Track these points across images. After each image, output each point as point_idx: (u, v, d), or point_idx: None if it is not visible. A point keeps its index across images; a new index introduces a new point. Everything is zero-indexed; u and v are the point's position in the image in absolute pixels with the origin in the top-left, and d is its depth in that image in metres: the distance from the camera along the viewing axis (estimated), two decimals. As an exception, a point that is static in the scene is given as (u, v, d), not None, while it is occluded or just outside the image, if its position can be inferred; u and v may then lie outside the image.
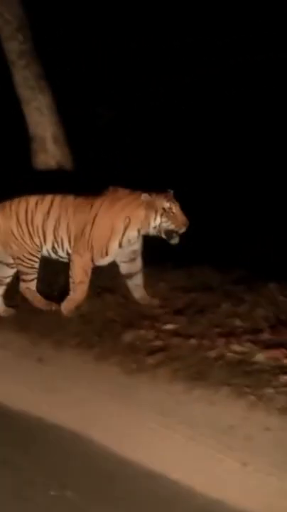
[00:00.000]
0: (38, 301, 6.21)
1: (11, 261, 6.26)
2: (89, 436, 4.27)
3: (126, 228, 5.85)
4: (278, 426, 4.00)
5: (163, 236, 5.81)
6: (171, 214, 5.73)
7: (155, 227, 5.79)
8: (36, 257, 6.17)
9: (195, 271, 6.36)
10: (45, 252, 6.17)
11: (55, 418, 4.53)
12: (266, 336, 5.00)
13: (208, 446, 3.93)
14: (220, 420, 4.14)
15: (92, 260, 5.96)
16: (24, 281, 6.23)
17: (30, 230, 6.11)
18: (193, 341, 5.11)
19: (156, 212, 5.75)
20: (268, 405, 4.18)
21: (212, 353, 4.88)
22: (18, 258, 6.19)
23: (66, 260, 6.15)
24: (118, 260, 6.05)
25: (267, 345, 4.83)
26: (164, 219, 5.74)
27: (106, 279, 6.51)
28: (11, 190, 6.36)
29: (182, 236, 5.80)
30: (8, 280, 6.37)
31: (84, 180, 6.69)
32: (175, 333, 5.31)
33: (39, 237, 6.11)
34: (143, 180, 5.99)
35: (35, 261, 6.18)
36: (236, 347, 4.90)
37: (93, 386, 4.84)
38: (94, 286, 6.43)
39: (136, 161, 9.52)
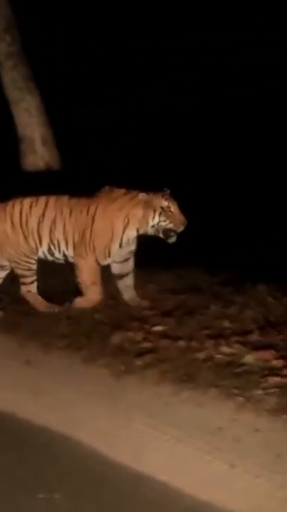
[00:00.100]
0: (40, 303, 6.17)
1: (5, 263, 6.22)
2: (77, 439, 4.26)
3: (125, 228, 5.83)
4: (267, 427, 3.99)
5: (161, 235, 5.80)
6: (169, 213, 5.73)
7: (153, 226, 5.77)
8: (32, 258, 6.13)
9: (184, 272, 6.35)
10: (40, 254, 6.13)
11: (42, 420, 4.52)
12: (254, 337, 4.99)
13: (196, 448, 3.91)
14: (208, 422, 4.13)
15: (97, 261, 5.93)
16: (24, 284, 6.19)
17: (25, 232, 6.07)
18: (182, 343, 5.09)
19: (155, 211, 5.73)
20: (257, 407, 4.16)
21: (201, 355, 4.87)
22: (15, 261, 6.15)
23: (62, 262, 6.12)
24: (110, 260, 6.03)
25: (256, 347, 4.82)
26: (162, 218, 5.73)
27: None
28: (0, 192, 6.33)
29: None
30: None
31: (83, 180, 6.64)
32: (163, 335, 5.29)
33: (34, 240, 6.07)
34: (141, 180, 5.99)
35: (31, 263, 6.14)
36: (225, 348, 4.89)
37: (81, 388, 4.82)
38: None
39: (135, 160, 9.52)
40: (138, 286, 6.06)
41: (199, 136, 10.89)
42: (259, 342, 4.90)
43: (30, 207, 6.09)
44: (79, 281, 6.00)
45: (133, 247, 5.97)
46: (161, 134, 11.21)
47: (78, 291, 6.32)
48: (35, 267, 6.16)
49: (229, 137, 10.66)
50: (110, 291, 6.20)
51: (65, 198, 6.08)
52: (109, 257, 5.94)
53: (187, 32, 13.51)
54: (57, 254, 6.08)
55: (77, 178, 8.18)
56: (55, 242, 6.03)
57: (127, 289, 6.06)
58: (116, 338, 5.38)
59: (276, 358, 4.62)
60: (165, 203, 5.74)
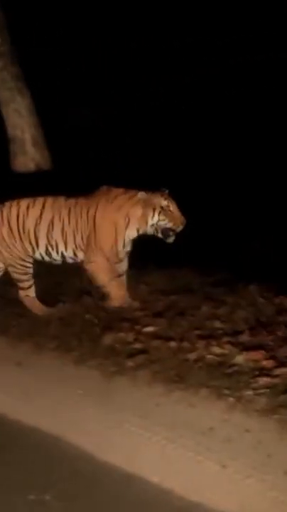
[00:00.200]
0: (38, 308, 6.15)
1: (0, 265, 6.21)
2: (68, 440, 4.25)
3: (127, 227, 5.83)
4: (258, 428, 4.00)
5: (160, 235, 5.80)
6: (169, 212, 5.73)
7: (152, 226, 5.77)
8: (28, 262, 6.10)
9: (175, 273, 6.35)
10: (37, 256, 6.10)
11: (33, 421, 4.51)
12: (245, 337, 5.00)
13: (187, 449, 3.92)
14: (200, 422, 4.14)
15: (107, 260, 5.89)
16: (22, 288, 6.17)
17: (22, 234, 6.05)
18: (173, 344, 5.09)
19: (154, 210, 5.73)
20: (248, 407, 4.17)
21: (192, 356, 4.87)
22: (11, 265, 6.13)
23: (59, 262, 6.10)
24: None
25: (247, 347, 4.82)
26: (162, 217, 5.73)
27: (85, 282, 6.49)
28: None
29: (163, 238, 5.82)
30: None
31: (75, 180, 6.63)
32: (154, 336, 5.29)
33: (31, 242, 6.05)
34: (140, 180, 5.98)
35: (27, 266, 6.12)
36: (216, 349, 4.89)
37: (72, 389, 4.82)
38: (73, 289, 6.42)
39: (135, 160, 9.52)
40: (129, 286, 6.06)
41: (199, 136, 10.90)
42: (250, 342, 4.91)
43: (27, 208, 6.06)
44: (98, 285, 5.96)
45: (129, 247, 5.97)
46: (161, 134, 11.22)
47: (71, 293, 6.33)
48: (31, 270, 6.14)
49: (228, 137, 10.67)
50: (100, 292, 6.21)
51: (62, 199, 6.04)
52: (118, 256, 5.91)
53: (187, 32, 13.52)
54: (54, 256, 6.05)
55: (68, 178, 8.17)
56: (53, 244, 6.00)
57: (119, 289, 6.06)
58: (107, 339, 5.38)
59: (267, 359, 4.63)
60: (164, 202, 5.74)
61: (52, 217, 5.99)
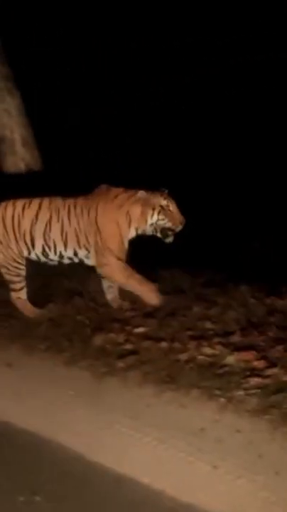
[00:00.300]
0: (29, 310, 6.13)
1: None
2: (58, 441, 4.24)
3: (129, 225, 5.81)
4: (249, 428, 3.99)
5: (159, 235, 5.79)
6: (168, 212, 5.72)
7: (152, 225, 5.76)
8: (21, 263, 6.08)
9: (166, 274, 6.34)
10: (33, 256, 6.08)
11: (24, 423, 4.50)
12: (236, 338, 4.99)
13: (178, 449, 3.92)
14: (191, 423, 4.13)
15: (119, 258, 5.84)
16: (14, 290, 6.14)
17: (17, 235, 6.03)
18: (164, 344, 5.09)
19: (153, 209, 5.72)
20: (239, 407, 4.17)
21: (183, 356, 4.86)
22: (4, 267, 6.10)
23: (55, 263, 6.08)
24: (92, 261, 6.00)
25: (238, 348, 4.82)
26: (161, 217, 5.73)
27: (75, 283, 6.49)
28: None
29: (155, 238, 5.81)
30: None
31: (76, 180, 6.60)
32: (145, 337, 5.28)
33: (26, 242, 6.03)
34: (140, 180, 5.97)
35: (20, 268, 6.10)
36: (207, 350, 4.89)
37: (63, 390, 4.81)
38: (63, 290, 6.41)
39: (135, 160, 9.51)
40: (119, 287, 6.05)
41: (199, 136, 10.88)
42: (241, 343, 4.90)
43: (23, 209, 6.04)
44: (120, 286, 5.91)
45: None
46: (161, 134, 11.20)
47: (61, 294, 6.32)
48: (24, 272, 6.12)
49: (228, 137, 10.66)
50: (90, 293, 6.20)
51: (59, 200, 6.01)
52: (126, 252, 5.86)
53: (187, 32, 13.50)
54: (51, 256, 6.02)
55: (59, 178, 8.15)
56: (51, 244, 5.97)
57: (110, 289, 6.05)
58: (98, 340, 5.37)
59: (258, 359, 4.62)
60: (164, 202, 5.73)
61: (50, 218, 5.96)
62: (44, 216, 5.98)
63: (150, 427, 4.17)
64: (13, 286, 6.13)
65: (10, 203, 6.10)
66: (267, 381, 4.36)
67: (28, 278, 6.20)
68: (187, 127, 11.25)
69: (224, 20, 13.25)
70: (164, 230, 5.77)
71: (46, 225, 5.96)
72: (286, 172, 8.63)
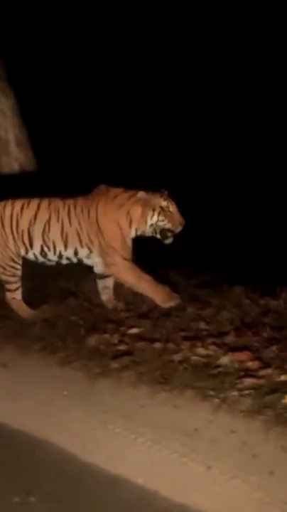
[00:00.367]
0: (24, 311, 6.13)
1: None
2: (53, 442, 4.24)
3: (130, 224, 5.80)
4: (243, 429, 4.00)
5: (158, 236, 5.78)
6: (168, 213, 5.72)
7: (151, 226, 5.75)
8: (18, 264, 6.08)
9: (159, 274, 6.34)
10: (30, 256, 6.07)
11: (18, 423, 4.50)
12: (230, 338, 5.00)
13: (172, 450, 3.92)
14: (185, 423, 4.13)
15: (126, 258, 5.83)
16: (9, 290, 6.14)
17: (15, 234, 6.02)
18: (158, 345, 5.09)
19: (154, 210, 5.72)
20: (233, 408, 4.17)
21: (177, 357, 4.87)
22: (0, 266, 6.10)
23: (53, 264, 6.07)
24: (97, 259, 5.99)
25: (232, 348, 4.82)
26: (161, 218, 5.72)
27: (70, 283, 6.49)
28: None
29: (150, 238, 5.81)
30: None
31: (83, 180, 6.60)
32: (139, 337, 5.29)
33: (24, 242, 6.02)
34: (139, 180, 5.96)
35: (17, 268, 6.10)
36: (201, 350, 4.89)
37: (57, 391, 4.81)
38: (57, 291, 6.41)
39: (135, 160, 9.51)
40: (113, 288, 6.05)
41: (199, 136, 10.89)
42: (235, 343, 4.91)
43: (22, 209, 6.04)
44: (131, 287, 5.87)
45: None
46: (160, 134, 11.21)
47: (56, 295, 6.32)
48: (19, 273, 6.12)
49: (228, 137, 10.67)
50: (85, 293, 6.20)
51: (59, 201, 6.00)
52: (131, 251, 5.85)
53: (187, 32, 13.50)
54: (50, 256, 6.01)
55: (53, 178, 8.15)
56: (50, 244, 5.96)
57: (106, 290, 6.05)
58: (92, 341, 5.38)
59: (252, 360, 4.63)
60: (164, 203, 5.73)
61: (49, 218, 5.95)
62: (43, 216, 5.97)
63: (145, 428, 4.17)
64: (8, 286, 6.13)
65: (8, 203, 6.09)
66: (261, 381, 4.37)
67: (23, 279, 6.20)
68: (187, 127, 11.26)
69: (224, 20, 13.25)
70: (163, 231, 5.77)
71: (45, 225, 5.95)
72: (284, 172, 8.65)
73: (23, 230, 6.00)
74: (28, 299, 6.18)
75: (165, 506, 3.53)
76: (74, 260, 5.99)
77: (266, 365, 4.54)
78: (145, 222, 5.76)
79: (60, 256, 5.97)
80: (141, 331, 5.39)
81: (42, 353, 5.44)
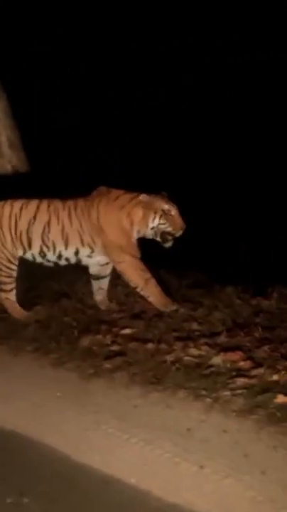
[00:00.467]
0: (17, 312, 6.13)
1: None
2: (46, 442, 4.24)
3: (131, 225, 5.80)
4: (235, 428, 4.01)
5: (158, 239, 5.79)
6: (170, 216, 5.72)
7: (152, 228, 5.76)
8: (14, 264, 6.09)
9: (152, 275, 6.35)
10: (28, 256, 6.07)
11: (11, 424, 4.50)
12: (222, 339, 5.02)
13: (165, 450, 3.93)
14: (177, 423, 4.15)
15: (134, 256, 5.83)
16: (3, 291, 6.14)
17: (13, 235, 6.02)
18: (150, 345, 5.11)
19: (155, 213, 5.72)
20: (225, 408, 4.19)
21: (170, 357, 4.88)
22: None
23: (51, 265, 6.07)
24: (99, 258, 6.00)
25: (224, 348, 4.85)
26: (162, 221, 5.72)
27: (63, 285, 6.50)
28: None
29: (141, 239, 5.83)
30: None
31: (84, 180, 6.63)
32: (132, 338, 5.30)
33: (22, 243, 6.02)
34: (139, 180, 5.97)
35: (13, 269, 6.10)
36: (194, 350, 4.91)
37: (50, 392, 4.82)
38: (50, 292, 6.42)
39: (135, 161, 9.52)
40: (109, 290, 6.08)
41: (199, 136, 10.90)
42: (227, 343, 4.93)
43: (21, 209, 6.04)
44: (134, 288, 5.85)
45: None
46: (160, 134, 11.21)
47: (49, 296, 6.33)
48: (15, 274, 6.12)
49: (228, 137, 10.68)
50: (78, 294, 6.22)
51: (58, 202, 6.00)
52: (138, 249, 5.85)
53: (187, 32, 13.50)
54: (49, 256, 6.00)
55: (46, 180, 8.15)
56: (49, 245, 5.95)
57: (100, 291, 6.06)
58: (85, 342, 5.39)
59: (244, 359, 4.65)
60: (165, 206, 5.73)
61: (49, 219, 5.95)
62: (43, 217, 5.97)
63: (137, 428, 4.18)
64: (3, 286, 6.13)
65: (8, 203, 6.09)
66: (253, 381, 4.39)
67: (18, 280, 6.21)
68: (187, 127, 11.27)
69: (224, 20, 13.26)
70: (164, 235, 5.77)
71: (45, 227, 5.95)
72: (284, 172, 8.67)
73: (21, 231, 6.00)
74: (21, 300, 6.18)
75: (158, 506, 3.54)
76: (73, 261, 5.99)
77: (258, 364, 4.56)
78: (147, 224, 5.76)
79: (60, 256, 5.97)
80: (133, 332, 5.41)
81: (35, 354, 5.44)
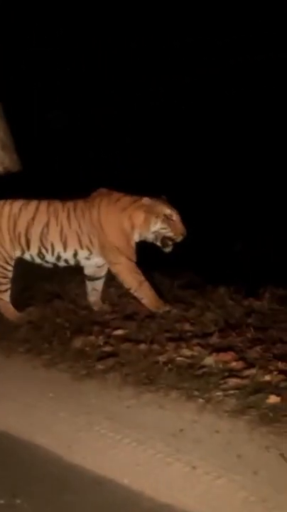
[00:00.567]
0: (11, 313, 6.12)
1: None
2: (38, 443, 4.24)
3: (132, 228, 5.80)
4: (227, 428, 4.02)
5: (158, 243, 5.79)
6: (171, 221, 5.72)
7: (154, 233, 5.75)
8: (10, 265, 6.08)
9: (144, 276, 6.36)
10: (27, 257, 6.06)
11: (3, 425, 4.50)
12: (215, 339, 5.03)
13: (158, 450, 3.93)
14: (170, 424, 4.15)
15: (130, 259, 5.84)
16: None
17: (12, 235, 6.02)
18: (143, 346, 5.11)
19: (157, 217, 5.71)
20: (217, 408, 4.20)
21: (162, 358, 4.89)
22: None
23: (50, 266, 6.07)
24: (97, 260, 6.00)
25: (216, 349, 4.85)
26: (164, 225, 5.72)
27: (55, 286, 6.50)
28: None
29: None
30: None
31: (84, 180, 6.63)
32: (124, 339, 5.31)
33: (20, 243, 6.01)
34: (139, 181, 5.97)
35: (9, 270, 6.10)
36: (186, 351, 4.92)
37: (42, 392, 4.82)
38: (43, 293, 6.42)
39: (135, 161, 9.52)
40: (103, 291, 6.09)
41: (199, 136, 10.91)
42: (219, 344, 4.94)
43: (20, 210, 6.03)
44: (128, 289, 5.87)
45: None
46: (160, 134, 11.22)
47: (41, 297, 6.32)
48: (11, 274, 6.12)
49: (228, 137, 10.68)
50: (70, 295, 6.21)
51: (58, 203, 6.00)
52: (135, 252, 5.86)
53: (187, 32, 13.48)
54: (48, 257, 5.99)
55: (40, 181, 8.15)
56: (48, 246, 5.94)
57: (94, 292, 6.07)
58: (78, 343, 5.39)
59: (236, 360, 4.66)
60: (167, 211, 5.73)
61: (48, 221, 5.94)
62: (42, 218, 5.96)
63: (130, 429, 4.18)
64: None
65: (7, 203, 6.08)
66: (245, 382, 4.39)
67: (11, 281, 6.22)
68: (187, 127, 11.27)
69: (224, 20, 13.25)
70: (164, 239, 5.77)
71: (43, 228, 5.94)
72: (284, 172, 8.68)
73: (20, 232, 6.00)
74: (14, 301, 6.18)
75: (150, 507, 3.54)
76: (72, 262, 5.99)
77: (250, 365, 4.57)
78: (148, 228, 5.76)
79: (58, 258, 5.97)
80: (126, 333, 5.42)
81: (27, 355, 5.44)
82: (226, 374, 4.52)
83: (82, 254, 5.91)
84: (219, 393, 4.33)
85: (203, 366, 4.68)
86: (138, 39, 13.33)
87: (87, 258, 5.94)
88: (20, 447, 4.24)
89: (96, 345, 5.29)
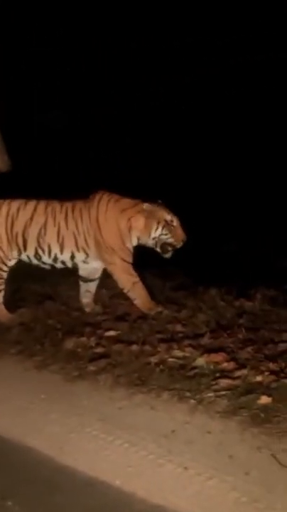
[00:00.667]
0: (3, 315, 6.12)
1: None
2: (29, 445, 4.23)
3: (129, 230, 5.80)
4: (219, 429, 4.03)
5: (158, 249, 5.79)
6: (172, 227, 5.72)
7: (154, 238, 5.76)
8: (7, 266, 6.08)
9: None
10: (24, 258, 6.06)
11: (-5, 427, 4.49)
12: (206, 340, 5.04)
13: (149, 452, 3.93)
14: (161, 425, 4.15)
15: (124, 260, 5.85)
16: None
17: (9, 235, 6.01)
18: (135, 347, 5.12)
19: (158, 223, 5.73)
20: (209, 409, 4.21)
21: (154, 359, 4.90)
22: None
23: (48, 267, 6.06)
24: (94, 263, 5.98)
25: (207, 350, 4.87)
26: (165, 231, 5.73)
27: (47, 287, 6.49)
28: None
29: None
30: None
31: (84, 181, 6.62)
32: (116, 340, 5.32)
33: (18, 244, 6.00)
34: (138, 181, 5.97)
35: (4, 270, 6.10)
36: (177, 352, 4.93)
37: (34, 394, 4.81)
38: (35, 294, 6.41)
39: (135, 161, 9.52)
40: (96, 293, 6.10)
41: (199, 136, 10.91)
42: (211, 345, 4.96)
43: (18, 210, 6.03)
44: (122, 289, 5.89)
45: None
46: (160, 134, 11.22)
47: (33, 298, 6.32)
48: (6, 275, 6.12)
49: (228, 137, 10.69)
50: (62, 297, 6.21)
51: (56, 204, 6.00)
52: (131, 253, 5.88)
53: (187, 32, 13.49)
54: (45, 259, 6.00)
55: (34, 182, 8.14)
56: (45, 247, 5.95)
57: (87, 293, 6.08)
58: (69, 344, 5.39)
59: (227, 361, 4.68)
60: (168, 217, 5.74)
61: (45, 221, 5.94)
62: (39, 219, 5.96)
63: (122, 430, 4.18)
64: None
65: (5, 203, 6.07)
66: (236, 382, 4.41)
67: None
68: (186, 127, 11.28)
69: (224, 20, 13.26)
70: (165, 245, 5.79)
71: (41, 228, 5.94)
72: (284, 173, 8.69)
73: (17, 232, 5.99)
74: (5, 303, 6.17)
75: (142, 508, 3.54)
76: (69, 265, 5.99)
77: (242, 366, 4.58)
78: (149, 234, 5.77)
79: (55, 259, 5.96)
80: (117, 334, 5.42)
81: (19, 356, 5.44)
82: (218, 375, 4.53)
83: (79, 257, 5.92)
84: (211, 394, 4.34)
85: (195, 367, 4.69)
86: (138, 39, 13.34)
87: (85, 262, 5.94)
88: (11, 448, 4.23)
89: (88, 347, 5.30)
